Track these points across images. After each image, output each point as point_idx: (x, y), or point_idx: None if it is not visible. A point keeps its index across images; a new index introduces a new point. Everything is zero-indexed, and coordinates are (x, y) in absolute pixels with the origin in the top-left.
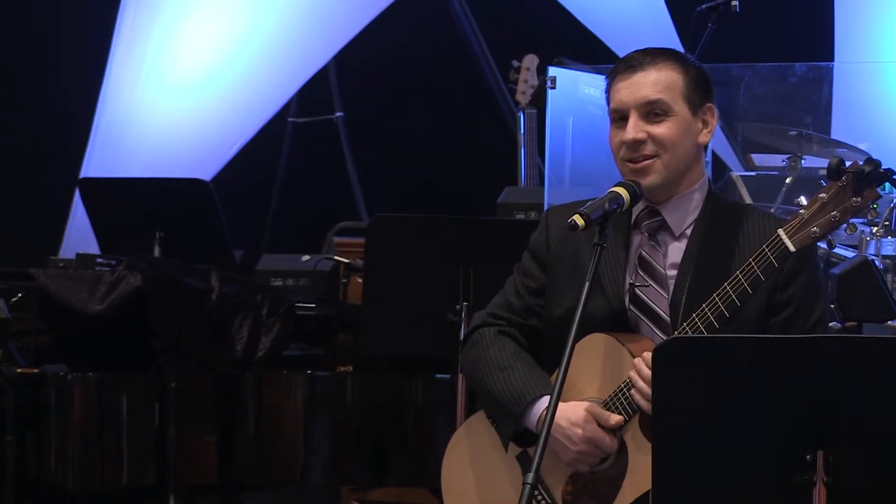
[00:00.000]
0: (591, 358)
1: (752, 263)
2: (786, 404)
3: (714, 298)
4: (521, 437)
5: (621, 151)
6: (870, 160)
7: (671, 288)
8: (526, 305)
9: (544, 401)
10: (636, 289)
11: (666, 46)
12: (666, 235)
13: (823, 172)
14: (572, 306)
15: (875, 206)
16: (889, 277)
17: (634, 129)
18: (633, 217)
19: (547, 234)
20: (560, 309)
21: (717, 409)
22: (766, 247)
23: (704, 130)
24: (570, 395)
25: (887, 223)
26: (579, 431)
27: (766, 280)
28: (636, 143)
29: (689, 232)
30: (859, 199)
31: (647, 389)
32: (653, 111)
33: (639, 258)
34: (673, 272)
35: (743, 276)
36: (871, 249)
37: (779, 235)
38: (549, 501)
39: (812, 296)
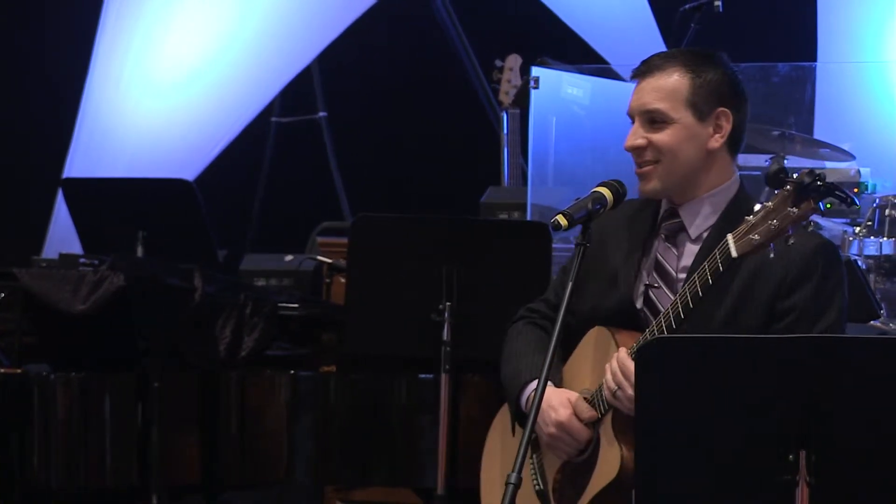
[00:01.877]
0: (592, 350)
1: (705, 266)
2: (769, 404)
3: (676, 300)
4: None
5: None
6: (811, 172)
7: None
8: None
9: (534, 384)
10: (650, 290)
11: (648, 49)
12: (684, 238)
13: None
14: (594, 304)
15: (858, 206)
16: (872, 277)
17: (634, 135)
18: (658, 217)
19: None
20: (583, 306)
21: (700, 409)
22: (717, 251)
23: (716, 136)
24: (572, 384)
25: (870, 223)
26: (553, 415)
27: (714, 284)
28: (636, 150)
29: (705, 235)
30: (797, 209)
31: (611, 383)
32: (652, 119)
33: (654, 259)
34: (683, 275)
35: (698, 278)
36: (854, 249)
37: (726, 241)
38: (541, 488)
39: (818, 305)
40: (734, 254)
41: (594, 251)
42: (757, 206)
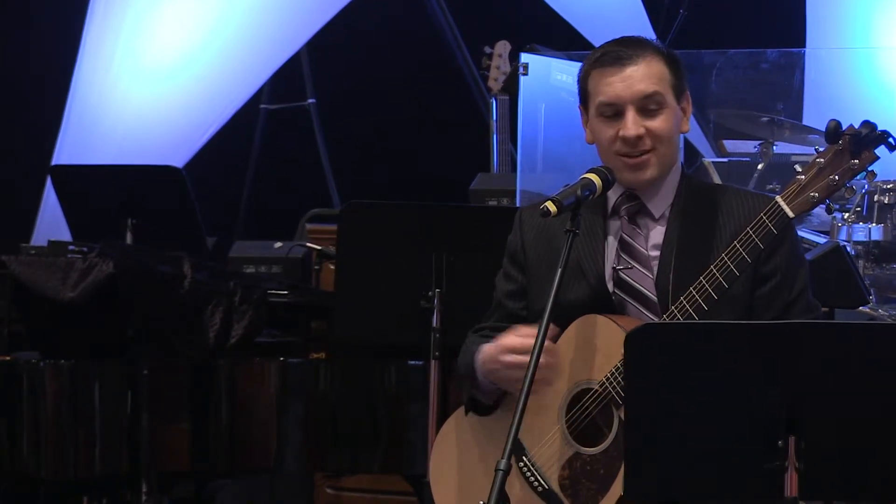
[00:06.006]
0: (586, 340)
1: (750, 232)
2: (758, 390)
3: (712, 271)
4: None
5: (616, 146)
6: (866, 123)
7: (655, 268)
8: (509, 313)
9: (484, 348)
10: (620, 272)
11: (636, 34)
12: (646, 218)
13: (796, 158)
14: (559, 299)
15: (864, 177)
16: (861, 263)
17: (635, 125)
18: (611, 203)
19: (521, 235)
20: (544, 302)
21: (689, 395)
22: (764, 215)
23: (684, 118)
24: (561, 379)
25: (859, 209)
26: (491, 349)
27: (764, 249)
28: (638, 139)
29: (667, 213)
30: (857, 161)
31: None
32: (648, 105)
33: (620, 241)
34: (655, 253)
35: (741, 246)
36: (843, 235)
37: (777, 202)
38: (546, 487)
39: (794, 266)
40: (791, 214)
41: (538, 251)
42: (798, 167)
